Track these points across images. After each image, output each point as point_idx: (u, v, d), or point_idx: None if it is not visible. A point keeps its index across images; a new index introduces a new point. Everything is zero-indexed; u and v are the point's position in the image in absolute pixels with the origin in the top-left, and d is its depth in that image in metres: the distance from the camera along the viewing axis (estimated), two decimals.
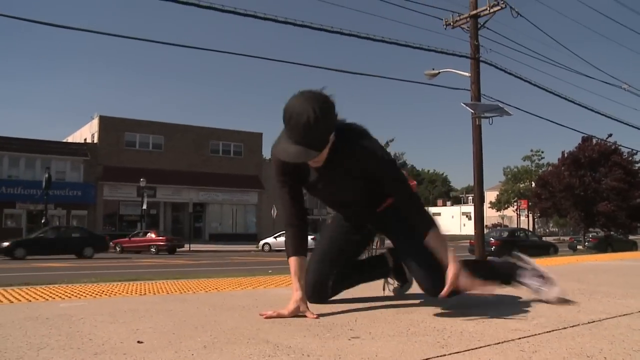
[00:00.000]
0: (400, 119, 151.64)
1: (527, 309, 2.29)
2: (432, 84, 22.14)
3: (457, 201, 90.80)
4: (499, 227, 40.92)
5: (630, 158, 25.02)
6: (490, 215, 68.13)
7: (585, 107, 23.16)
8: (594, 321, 2.00)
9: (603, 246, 27.17)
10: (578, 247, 29.16)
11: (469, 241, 26.52)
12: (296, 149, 2.01)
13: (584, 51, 23.69)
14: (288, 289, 3.24)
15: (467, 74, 21.15)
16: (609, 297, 2.70)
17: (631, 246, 29.01)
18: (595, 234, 27.70)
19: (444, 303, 2.36)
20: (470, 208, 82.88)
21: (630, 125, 27.59)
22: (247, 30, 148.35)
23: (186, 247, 30.75)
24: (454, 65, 26.30)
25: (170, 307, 2.46)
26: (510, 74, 21.14)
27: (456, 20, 19.77)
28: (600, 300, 2.57)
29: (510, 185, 65.82)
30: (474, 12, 19.39)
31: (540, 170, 61.13)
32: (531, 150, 62.34)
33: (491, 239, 23.86)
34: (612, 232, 26.90)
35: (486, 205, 75.54)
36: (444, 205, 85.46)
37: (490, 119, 21.44)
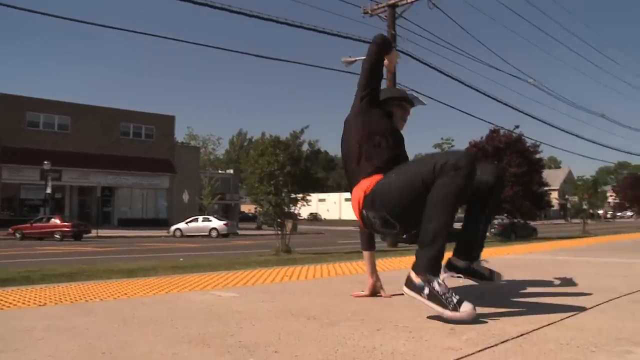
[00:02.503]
0: (316, 104, 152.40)
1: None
2: (349, 72, 22.33)
3: None
4: None
5: (533, 149, 26.32)
6: None
7: (494, 99, 24.13)
8: (522, 334, 1.97)
9: (508, 232, 28.62)
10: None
11: None
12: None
13: (494, 45, 24.54)
14: (203, 292, 3.07)
15: None
16: (528, 301, 2.72)
17: (532, 232, 30.74)
18: (500, 220, 29.05)
19: (369, 315, 2.29)
20: None
21: (534, 118, 29.03)
22: (159, 10, 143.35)
23: (93, 232, 29.47)
24: None
25: (74, 322, 2.22)
26: (425, 64, 21.69)
27: (374, 9, 19.94)
28: (522, 306, 2.57)
29: None
30: (392, 1, 19.61)
31: None
32: (441, 138, 64.30)
33: None
34: (515, 220, 28.31)
35: None
36: None
37: None
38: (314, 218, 73.29)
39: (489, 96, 24.41)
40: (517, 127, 26.68)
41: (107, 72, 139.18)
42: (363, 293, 2.91)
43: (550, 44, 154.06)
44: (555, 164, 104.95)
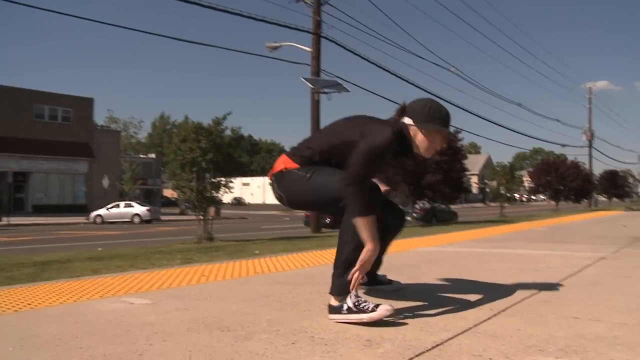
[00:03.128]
0: (240, 90, 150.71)
1: (371, 327, 2.23)
2: (273, 57, 22.12)
3: None
4: None
5: (454, 137, 26.98)
6: None
7: (418, 87, 24.61)
8: (437, 345, 1.97)
9: (429, 217, 29.43)
10: (407, 218, 31.23)
11: (304, 213, 27.07)
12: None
13: (418, 34, 24.94)
14: (114, 299, 2.92)
15: (308, 48, 21.35)
16: (443, 303, 2.74)
17: (452, 216, 31.76)
18: (421, 205, 29.77)
19: (284, 324, 2.24)
20: None
21: (456, 106, 29.80)
22: None
23: (5, 220, 27.99)
24: (297, 39, 26.41)
25: None
26: (349, 50, 21.80)
27: None
28: (437, 309, 2.59)
29: None
30: None
31: None
32: None
33: None
34: (436, 204, 29.08)
35: None
36: None
37: (329, 95, 21.92)
38: (238, 203, 72.56)
39: (412, 84, 24.92)
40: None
41: (17, 51, 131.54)
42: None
43: (471, 35, 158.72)
44: (475, 149, 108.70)
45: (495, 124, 34.74)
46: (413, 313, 2.48)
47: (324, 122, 19.43)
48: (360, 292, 2.39)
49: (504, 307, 2.62)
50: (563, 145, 45.00)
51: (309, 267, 4.33)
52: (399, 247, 5.74)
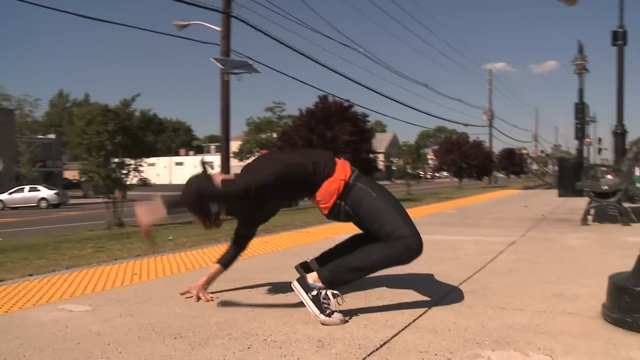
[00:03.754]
0: (145, 69, 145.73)
1: (318, 326, 2.34)
2: (181, 37, 21.55)
3: (199, 150, 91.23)
4: None
5: (363, 118, 27.54)
6: (234, 165, 69.76)
7: (327, 67, 24.84)
8: (385, 342, 2.11)
9: None
10: None
11: None
12: None
13: (327, 13, 25.14)
14: (50, 306, 2.85)
15: (217, 28, 20.99)
16: (376, 296, 2.91)
17: None
18: None
19: (235, 328, 2.30)
20: (212, 157, 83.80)
21: (364, 86, 30.41)
22: None
23: None
24: (209, 19, 25.94)
25: None
26: (260, 30, 21.61)
27: None
28: (377, 305, 2.74)
29: (252, 135, 67.76)
30: None
31: (281, 122, 64.18)
32: (273, 102, 65.00)
33: None
34: None
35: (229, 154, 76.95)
36: (187, 154, 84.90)
37: (240, 75, 21.70)
38: (144, 183, 70.46)
39: (322, 65, 25.12)
40: (348, 101, 27.80)
41: None
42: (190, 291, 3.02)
43: (378, 15, 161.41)
44: (381, 127, 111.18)
45: (402, 104, 35.74)
46: (355, 310, 2.61)
47: (234, 103, 19.29)
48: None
49: (435, 299, 2.82)
50: (465, 125, 47.04)
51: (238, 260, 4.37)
52: (313, 236, 5.89)
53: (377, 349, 2.05)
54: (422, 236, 2.59)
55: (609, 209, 6.58)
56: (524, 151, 64.19)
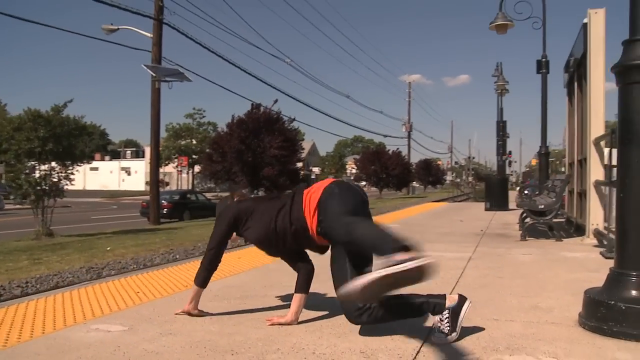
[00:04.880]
0: (74, 74, 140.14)
1: (354, 339, 2.69)
2: (110, 42, 21.21)
3: (115, 155, 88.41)
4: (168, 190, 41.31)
5: (290, 126, 28.06)
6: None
7: (257, 78, 25.16)
8: (417, 352, 2.50)
9: None
10: None
11: (141, 203, 26.43)
12: None
13: (257, 24, 25.38)
14: (83, 326, 3.00)
15: (149, 34, 20.83)
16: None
17: None
18: (255, 194, 30.59)
19: (284, 344, 2.61)
20: (129, 163, 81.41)
21: (290, 97, 30.89)
22: None
23: None
24: (141, 26, 25.61)
25: None
26: (190, 38, 21.70)
27: None
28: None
29: (171, 141, 66.53)
30: None
31: (201, 129, 63.48)
32: (193, 109, 64.24)
33: (163, 201, 24.16)
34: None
35: (146, 160, 74.25)
36: (102, 159, 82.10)
37: (170, 83, 21.58)
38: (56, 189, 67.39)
39: (252, 75, 25.51)
40: (275, 101, 28.32)
41: None
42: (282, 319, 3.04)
43: (306, 27, 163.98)
44: (300, 136, 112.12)
45: (325, 114, 36.80)
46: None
47: (164, 110, 19.21)
48: None
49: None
50: (385, 136, 48.81)
51: (232, 275, 4.60)
52: None
53: (415, 356, 2.43)
54: None
55: (539, 225, 7.33)
56: (439, 162, 67.01)
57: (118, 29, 21.69)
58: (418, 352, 2.51)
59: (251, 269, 4.94)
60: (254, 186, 27.15)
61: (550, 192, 7.67)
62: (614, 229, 5.34)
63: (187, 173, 60.98)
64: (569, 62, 8.46)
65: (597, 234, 6.28)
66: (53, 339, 2.81)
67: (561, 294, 3.72)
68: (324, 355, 2.48)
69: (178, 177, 63.49)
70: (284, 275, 3.49)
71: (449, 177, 67.19)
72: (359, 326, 2.83)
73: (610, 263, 3.02)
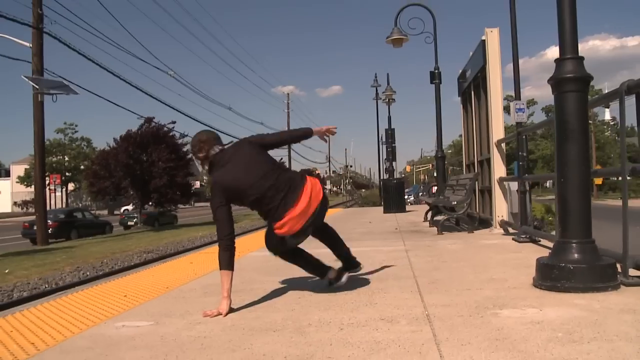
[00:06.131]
0: None
1: (369, 311, 3.16)
2: None
3: None
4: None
5: (181, 141, 27.89)
6: (19, 191, 63.80)
7: (142, 91, 24.82)
8: (427, 315, 3.02)
9: (152, 221, 29.67)
10: (129, 223, 31.12)
11: (22, 224, 25.03)
12: None
13: (141, 36, 25.02)
14: (111, 323, 3.18)
15: (27, 44, 19.92)
16: (378, 301, 3.78)
17: (173, 219, 32.53)
18: (145, 209, 29.91)
19: (334, 320, 3.01)
20: None
21: (173, 108, 30.52)
22: None
23: None
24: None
25: None
26: (74, 49, 21.02)
27: None
28: (384, 303, 3.63)
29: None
30: None
31: (74, 144, 60.23)
32: (65, 123, 60.87)
33: (48, 220, 23.03)
34: (161, 208, 29.58)
35: (13, 180, 68.81)
36: None
37: (55, 96, 20.73)
38: None
39: (138, 88, 25.09)
40: (173, 122, 28.25)
41: None
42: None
43: (189, 40, 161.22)
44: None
45: (209, 126, 36.51)
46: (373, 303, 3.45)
47: (48, 123, 18.37)
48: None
49: (418, 290, 3.78)
50: None
51: (189, 281, 4.84)
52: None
53: (428, 316, 2.94)
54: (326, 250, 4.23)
55: (446, 221, 8.18)
56: (318, 171, 68.71)
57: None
58: (428, 314, 3.03)
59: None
60: (143, 200, 26.70)
61: (457, 190, 8.57)
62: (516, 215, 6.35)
63: (61, 191, 57.64)
64: (465, 73, 9.49)
65: (504, 224, 7.20)
66: (89, 335, 2.98)
67: (504, 269, 4.42)
68: (352, 325, 2.90)
69: (51, 195, 59.76)
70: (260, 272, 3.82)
71: (327, 186, 69.04)
72: (364, 301, 3.35)
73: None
